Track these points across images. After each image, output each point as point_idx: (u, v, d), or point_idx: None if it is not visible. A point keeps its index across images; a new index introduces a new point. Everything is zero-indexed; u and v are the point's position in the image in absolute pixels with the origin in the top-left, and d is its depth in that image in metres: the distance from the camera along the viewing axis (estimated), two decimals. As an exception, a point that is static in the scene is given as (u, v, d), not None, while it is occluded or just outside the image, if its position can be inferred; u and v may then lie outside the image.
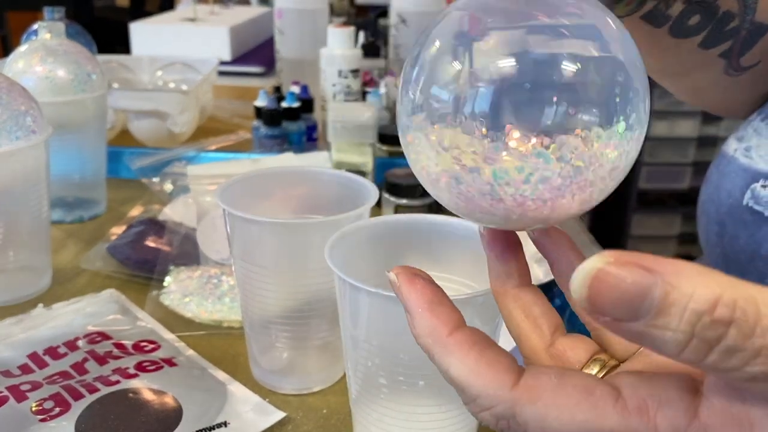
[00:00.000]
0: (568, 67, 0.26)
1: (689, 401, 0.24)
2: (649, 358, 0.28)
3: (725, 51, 0.49)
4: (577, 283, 0.21)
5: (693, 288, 0.20)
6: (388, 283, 0.30)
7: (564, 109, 0.26)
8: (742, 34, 0.48)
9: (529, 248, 0.76)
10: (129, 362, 0.55)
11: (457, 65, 0.27)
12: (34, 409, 0.50)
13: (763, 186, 0.48)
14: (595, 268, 0.20)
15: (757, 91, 0.53)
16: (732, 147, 0.52)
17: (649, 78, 0.57)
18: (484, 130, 0.26)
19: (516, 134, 0.26)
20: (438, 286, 0.28)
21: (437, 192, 0.29)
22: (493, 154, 0.26)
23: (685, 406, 0.23)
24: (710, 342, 0.20)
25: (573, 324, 0.37)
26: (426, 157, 0.28)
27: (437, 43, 0.28)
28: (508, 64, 0.26)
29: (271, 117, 0.97)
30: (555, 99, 0.25)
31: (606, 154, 0.27)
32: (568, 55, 0.26)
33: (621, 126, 0.27)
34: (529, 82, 0.25)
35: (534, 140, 0.26)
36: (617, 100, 0.26)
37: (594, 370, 0.29)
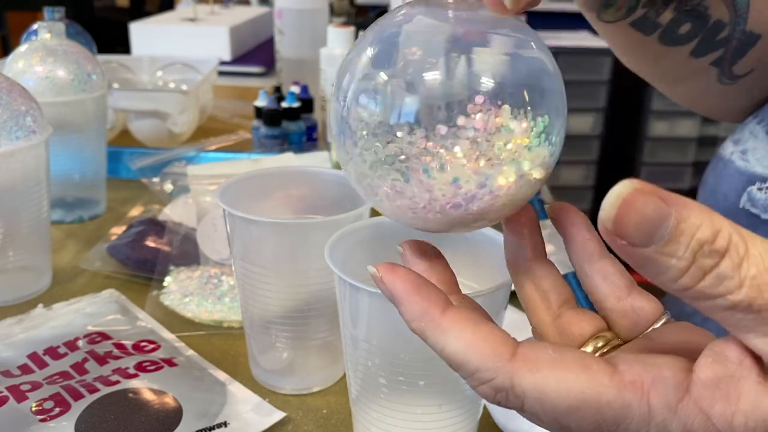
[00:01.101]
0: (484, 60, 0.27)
1: (681, 379, 0.25)
2: (648, 343, 0.29)
3: (717, 59, 0.49)
4: (609, 203, 0.23)
5: (700, 221, 0.22)
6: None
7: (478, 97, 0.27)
8: (733, 44, 0.48)
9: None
10: (129, 362, 0.55)
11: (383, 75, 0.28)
12: (34, 409, 0.50)
13: (759, 189, 0.48)
14: (626, 192, 0.22)
15: (751, 98, 0.53)
16: (728, 150, 0.52)
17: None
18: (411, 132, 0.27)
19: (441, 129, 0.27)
20: (418, 273, 0.29)
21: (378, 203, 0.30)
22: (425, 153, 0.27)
23: (677, 383, 0.25)
24: (705, 269, 0.22)
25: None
26: (362, 166, 0.29)
27: (368, 52, 0.29)
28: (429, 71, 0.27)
29: (271, 117, 0.97)
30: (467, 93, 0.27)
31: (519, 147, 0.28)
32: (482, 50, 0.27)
33: (537, 123, 0.28)
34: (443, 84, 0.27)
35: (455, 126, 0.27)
36: (529, 95, 0.28)
37: (599, 344, 0.30)
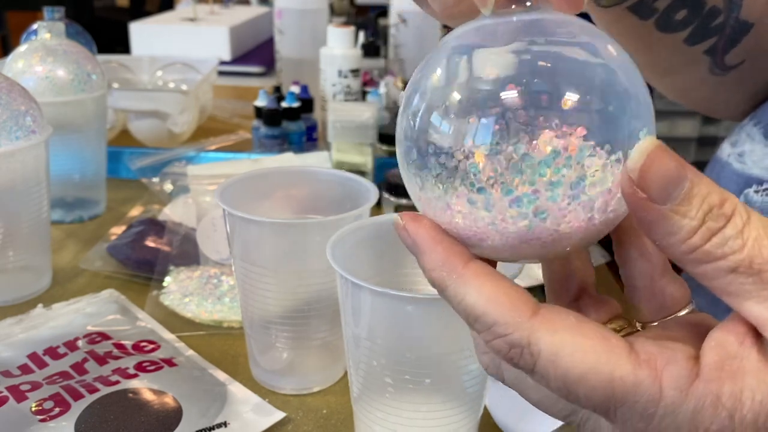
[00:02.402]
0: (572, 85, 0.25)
1: (693, 364, 0.25)
2: (661, 330, 0.29)
3: (710, 48, 0.49)
4: (638, 152, 0.24)
5: (709, 188, 0.24)
6: (390, 282, 0.29)
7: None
8: (726, 31, 0.48)
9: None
10: (129, 362, 0.55)
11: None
12: (33, 409, 0.50)
13: (756, 191, 0.48)
14: (653, 146, 0.24)
15: (743, 91, 0.53)
16: (726, 152, 0.52)
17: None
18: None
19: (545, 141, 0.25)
20: (440, 227, 0.28)
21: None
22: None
23: (689, 368, 0.25)
24: (713, 230, 0.24)
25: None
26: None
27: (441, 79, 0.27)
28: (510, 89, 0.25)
29: (271, 117, 0.97)
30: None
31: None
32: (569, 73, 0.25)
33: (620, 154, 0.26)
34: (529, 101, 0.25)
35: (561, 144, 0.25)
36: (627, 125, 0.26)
37: (614, 326, 0.30)
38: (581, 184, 0.25)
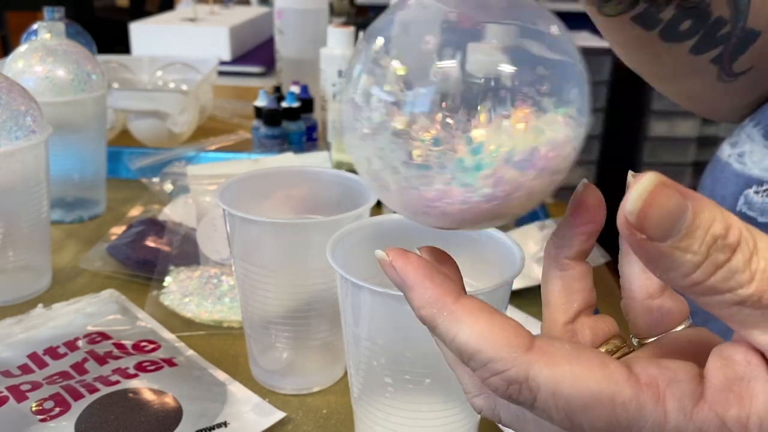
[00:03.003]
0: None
1: (696, 384, 0.24)
2: (658, 349, 0.28)
3: (716, 57, 0.49)
4: (636, 197, 0.22)
5: (713, 216, 0.23)
6: (391, 283, 0.29)
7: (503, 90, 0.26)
8: (732, 41, 0.48)
9: (530, 248, 0.77)
10: (129, 362, 0.55)
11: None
12: (34, 409, 0.50)
13: (756, 192, 0.48)
14: (652, 185, 0.22)
15: (750, 97, 0.53)
16: (726, 153, 0.52)
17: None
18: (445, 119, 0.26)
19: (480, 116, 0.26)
20: (429, 262, 0.28)
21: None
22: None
23: (692, 388, 0.24)
24: (718, 264, 0.23)
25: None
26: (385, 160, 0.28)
27: (380, 41, 0.28)
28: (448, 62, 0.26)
29: (271, 117, 0.97)
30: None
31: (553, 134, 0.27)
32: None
33: (562, 110, 0.27)
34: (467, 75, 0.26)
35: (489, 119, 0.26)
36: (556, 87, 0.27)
37: (610, 348, 0.29)
38: (511, 151, 0.26)
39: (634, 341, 0.30)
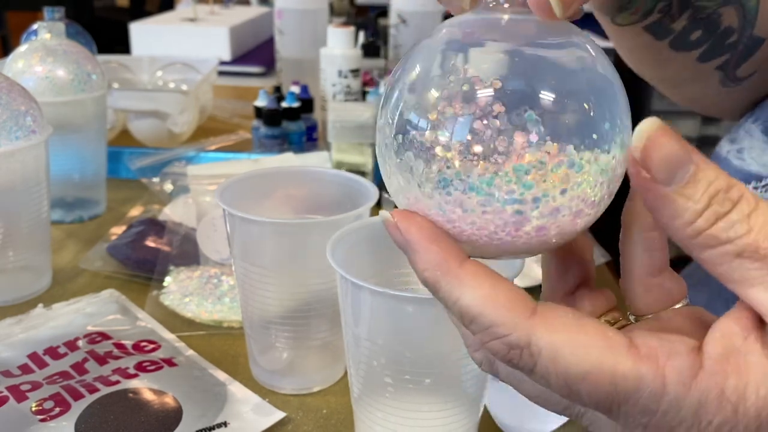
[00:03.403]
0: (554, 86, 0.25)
1: (695, 356, 0.25)
2: (656, 324, 0.29)
3: (722, 64, 0.49)
4: (641, 132, 0.24)
5: (716, 174, 0.24)
6: (390, 282, 0.29)
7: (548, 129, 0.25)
8: (739, 48, 0.48)
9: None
10: (129, 362, 0.55)
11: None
12: (34, 409, 0.50)
13: (755, 188, 0.48)
14: (653, 127, 0.24)
15: (752, 97, 0.54)
16: (725, 149, 0.52)
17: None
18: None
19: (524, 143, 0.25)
20: (434, 225, 0.27)
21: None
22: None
23: (691, 360, 0.25)
24: (719, 214, 0.24)
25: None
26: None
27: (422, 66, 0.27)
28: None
29: (271, 117, 0.97)
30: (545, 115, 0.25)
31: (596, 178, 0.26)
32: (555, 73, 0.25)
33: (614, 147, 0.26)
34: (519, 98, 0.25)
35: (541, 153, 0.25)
36: (607, 124, 0.26)
37: (610, 319, 0.30)
38: (561, 189, 0.25)
39: (632, 318, 0.30)
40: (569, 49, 0.26)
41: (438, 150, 0.26)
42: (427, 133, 0.26)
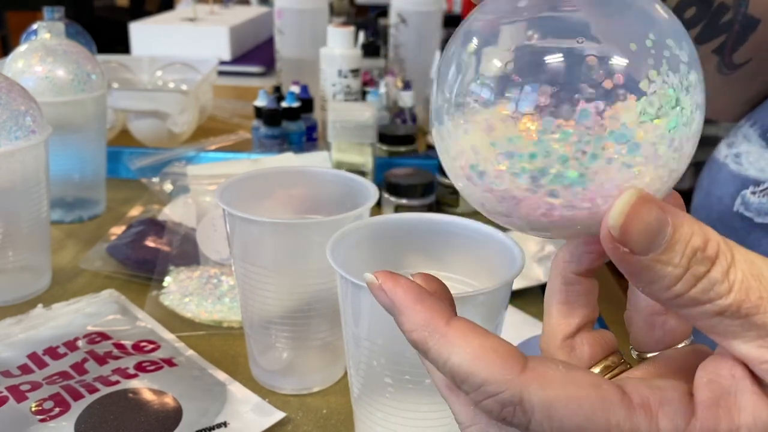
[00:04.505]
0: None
1: (687, 402, 0.25)
2: (655, 365, 0.28)
3: (718, 47, 0.49)
4: (618, 212, 0.23)
5: (692, 229, 0.23)
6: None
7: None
8: (735, 28, 0.48)
9: (530, 248, 0.76)
10: (129, 362, 0.55)
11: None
12: (33, 409, 0.50)
13: (753, 192, 0.48)
14: (633, 200, 0.23)
15: (748, 92, 0.53)
16: (722, 153, 0.52)
17: None
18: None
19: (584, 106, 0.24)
20: (420, 285, 0.28)
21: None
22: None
23: (684, 407, 0.24)
24: (698, 276, 0.23)
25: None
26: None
27: (475, 41, 0.26)
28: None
29: (271, 117, 0.97)
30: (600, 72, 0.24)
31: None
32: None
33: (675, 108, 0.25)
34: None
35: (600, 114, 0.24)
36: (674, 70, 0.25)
37: (608, 364, 0.29)
38: (631, 152, 0.24)
39: (634, 354, 0.30)
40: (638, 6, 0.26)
41: (509, 117, 0.24)
42: (492, 103, 0.25)
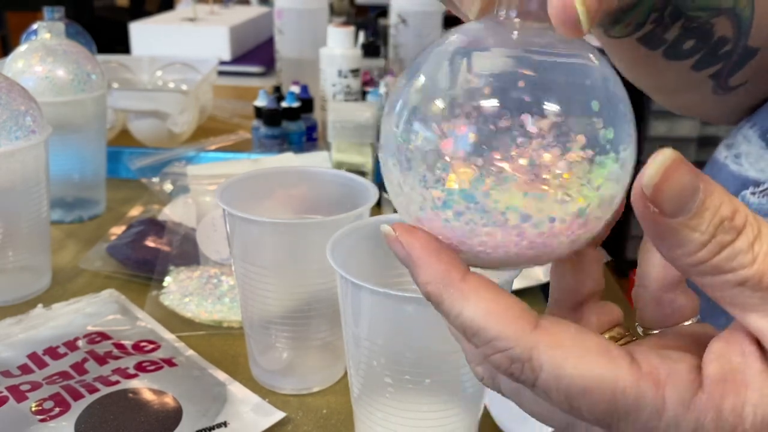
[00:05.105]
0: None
1: (695, 376, 0.25)
2: (661, 340, 0.28)
3: (715, 72, 0.49)
4: (653, 169, 0.23)
5: (721, 198, 0.23)
6: (390, 282, 0.29)
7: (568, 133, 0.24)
8: (733, 58, 0.48)
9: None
10: (129, 362, 0.55)
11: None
12: (33, 409, 0.50)
13: (753, 193, 0.48)
14: (669, 160, 0.23)
15: (743, 105, 0.54)
16: (722, 154, 0.52)
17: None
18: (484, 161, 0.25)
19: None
20: (436, 238, 0.27)
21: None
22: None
23: (691, 379, 0.25)
24: (723, 244, 0.23)
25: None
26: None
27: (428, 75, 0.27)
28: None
29: (271, 117, 0.97)
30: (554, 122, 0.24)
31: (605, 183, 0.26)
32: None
33: (621, 154, 0.26)
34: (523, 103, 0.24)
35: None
36: (615, 129, 0.25)
37: (614, 334, 0.30)
38: (564, 197, 0.25)
39: (639, 330, 0.30)
40: (579, 57, 0.26)
41: (445, 161, 0.25)
42: (435, 143, 0.25)
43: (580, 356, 0.25)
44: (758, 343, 0.25)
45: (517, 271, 0.41)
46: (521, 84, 0.25)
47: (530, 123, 0.24)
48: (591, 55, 0.27)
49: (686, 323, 0.29)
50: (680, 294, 0.29)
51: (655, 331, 0.30)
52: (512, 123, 0.24)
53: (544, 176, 0.25)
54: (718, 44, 0.47)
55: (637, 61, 0.50)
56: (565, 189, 0.25)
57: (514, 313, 0.25)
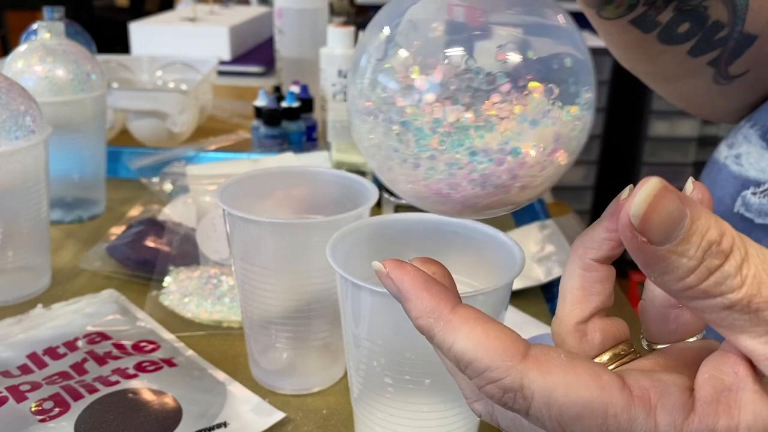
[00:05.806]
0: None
1: (686, 398, 0.25)
2: (663, 358, 0.29)
3: (713, 60, 0.49)
4: (641, 200, 0.23)
5: (709, 222, 0.23)
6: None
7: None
8: (730, 44, 0.48)
9: (530, 248, 0.76)
10: (128, 362, 0.55)
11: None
12: (33, 409, 0.50)
13: (753, 193, 0.48)
14: (656, 190, 0.23)
15: (745, 99, 0.53)
16: (723, 154, 0.52)
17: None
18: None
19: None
20: (425, 273, 0.28)
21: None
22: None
23: (682, 402, 0.25)
24: (711, 269, 0.23)
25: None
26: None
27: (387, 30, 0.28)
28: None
29: (270, 117, 0.97)
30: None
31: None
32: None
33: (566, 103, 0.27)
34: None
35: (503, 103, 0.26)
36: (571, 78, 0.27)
37: (618, 351, 0.30)
38: (528, 133, 0.26)
39: (644, 344, 0.30)
40: (541, 11, 0.27)
41: (408, 110, 0.26)
42: (397, 94, 0.26)
43: (570, 382, 0.25)
44: (750, 363, 0.25)
45: (519, 266, 0.41)
46: (473, 29, 0.26)
47: (490, 71, 0.26)
48: (555, 14, 0.28)
49: (691, 339, 0.29)
50: (686, 310, 0.29)
51: (660, 346, 0.30)
52: (466, 68, 0.26)
53: (489, 114, 0.26)
54: (713, 29, 0.47)
55: (632, 45, 0.50)
56: (508, 129, 0.26)
57: (504, 342, 0.26)
